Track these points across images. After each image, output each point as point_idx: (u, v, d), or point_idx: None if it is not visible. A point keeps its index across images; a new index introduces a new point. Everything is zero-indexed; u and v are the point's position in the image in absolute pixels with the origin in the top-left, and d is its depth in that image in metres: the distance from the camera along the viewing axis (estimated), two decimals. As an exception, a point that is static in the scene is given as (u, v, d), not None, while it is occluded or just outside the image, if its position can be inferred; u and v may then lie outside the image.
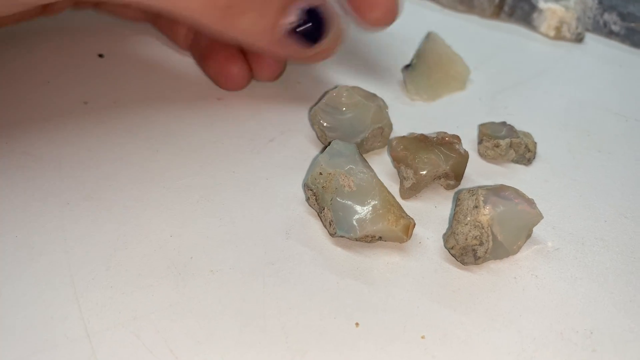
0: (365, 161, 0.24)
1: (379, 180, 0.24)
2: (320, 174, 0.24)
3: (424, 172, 0.25)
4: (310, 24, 0.26)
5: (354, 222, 0.23)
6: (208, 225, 0.24)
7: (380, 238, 0.23)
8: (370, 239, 0.23)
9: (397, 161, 0.26)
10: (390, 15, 0.27)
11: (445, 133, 0.26)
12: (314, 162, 0.25)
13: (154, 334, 0.20)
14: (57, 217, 0.24)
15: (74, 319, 0.21)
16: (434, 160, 0.25)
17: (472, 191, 0.23)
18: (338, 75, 0.33)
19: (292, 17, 0.25)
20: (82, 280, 0.22)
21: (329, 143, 0.25)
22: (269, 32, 0.26)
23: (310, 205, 0.25)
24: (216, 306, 0.21)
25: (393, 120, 0.28)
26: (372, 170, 0.24)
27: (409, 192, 0.25)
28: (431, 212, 0.25)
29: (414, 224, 0.23)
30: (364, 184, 0.23)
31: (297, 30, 0.26)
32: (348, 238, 0.23)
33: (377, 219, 0.23)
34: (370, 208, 0.23)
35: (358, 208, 0.23)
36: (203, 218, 0.24)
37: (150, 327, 0.21)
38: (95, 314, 0.21)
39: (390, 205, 0.23)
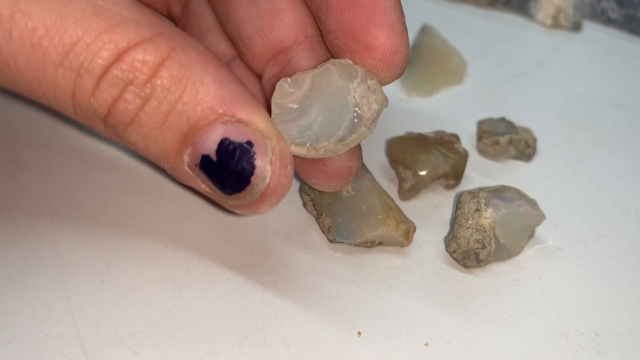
0: (364, 165, 0.24)
1: (378, 183, 0.23)
2: (318, 178, 0.23)
3: (423, 173, 0.24)
4: (225, 167, 0.18)
5: (353, 228, 0.22)
6: (204, 234, 0.24)
7: (380, 243, 0.23)
8: (370, 244, 0.23)
9: (395, 162, 0.25)
10: (391, 61, 0.19)
11: (443, 132, 0.25)
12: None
13: (153, 349, 0.20)
14: (48, 230, 0.23)
15: (70, 336, 0.20)
16: (433, 160, 0.24)
17: (473, 193, 0.22)
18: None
19: (200, 150, 0.17)
20: (77, 295, 0.21)
21: None
22: (170, 159, 0.18)
23: (308, 211, 0.24)
24: (215, 318, 0.21)
25: (390, 118, 0.28)
26: (370, 173, 0.23)
27: (408, 193, 0.25)
28: (431, 213, 0.25)
29: (415, 228, 0.23)
30: (363, 188, 0.23)
31: (206, 169, 0.18)
32: (347, 244, 0.23)
33: (377, 224, 0.22)
34: (370, 213, 0.22)
35: (357, 213, 0.22)
36: (198, 226, 0.24)
37: (149, 342, 0.20)
38: (92, 331, 0.20)
39: (389, 210, 0.22)
